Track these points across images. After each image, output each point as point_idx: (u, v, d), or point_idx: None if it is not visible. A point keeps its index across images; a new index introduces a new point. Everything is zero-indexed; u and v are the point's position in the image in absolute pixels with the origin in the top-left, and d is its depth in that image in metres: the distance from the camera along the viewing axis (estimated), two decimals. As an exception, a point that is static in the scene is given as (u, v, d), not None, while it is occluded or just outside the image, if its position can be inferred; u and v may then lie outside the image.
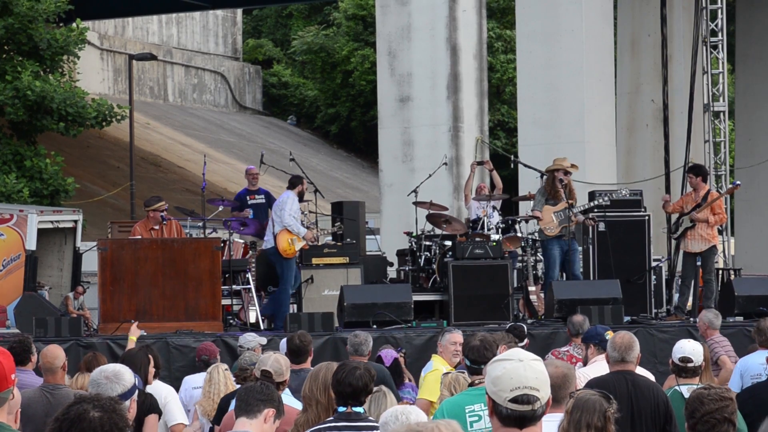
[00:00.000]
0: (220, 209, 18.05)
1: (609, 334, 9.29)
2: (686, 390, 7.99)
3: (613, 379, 8.00)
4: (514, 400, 4.55)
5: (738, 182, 18.44)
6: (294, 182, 16.89)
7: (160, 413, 9.16)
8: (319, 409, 7.16)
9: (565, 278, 17.01)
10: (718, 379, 11.63)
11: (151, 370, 9.20)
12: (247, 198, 18.79)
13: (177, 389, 10.59)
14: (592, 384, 7.94)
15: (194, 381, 11.06)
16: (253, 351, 12.48)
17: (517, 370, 4.61)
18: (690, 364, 8.54)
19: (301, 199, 16.82)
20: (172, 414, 9.71)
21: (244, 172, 19.46)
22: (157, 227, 16.79)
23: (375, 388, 7.10)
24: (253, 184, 18.99)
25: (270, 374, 8.38)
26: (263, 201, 18.82)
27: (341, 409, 6.79)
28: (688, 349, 8.62)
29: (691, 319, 16.51)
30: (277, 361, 8.42)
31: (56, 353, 9.29)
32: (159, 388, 9.82)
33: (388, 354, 11.46)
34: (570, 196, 16.71)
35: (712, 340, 12.50)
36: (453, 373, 8.01)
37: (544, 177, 16.98)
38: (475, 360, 7.98)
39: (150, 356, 9.11)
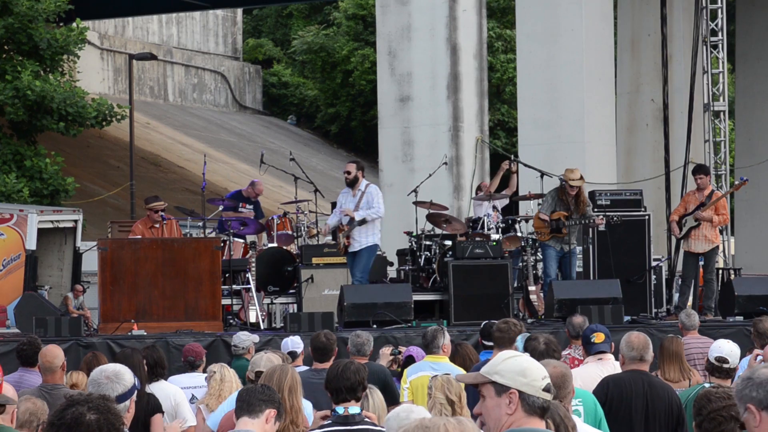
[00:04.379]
0: (220, 209, 18.02)
1: (596, 337, 9.19)
2: None
3: (629, 378, 7.99)
4: (546, 389, 4.53)
5: (745, 178, 18.38)
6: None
7: (163, 412, 9.18)
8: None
9: (561, 278, 17.02)
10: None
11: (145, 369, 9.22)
12: (239, 204, 18.54)
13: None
14: (608, 382, 7.93)
15: (180, 381, 10.99)
16: (248, 350, 12.48)
17: (532, 360, 4.59)
18: (726, 365, 8.50)
19: None
20: (189, 416, 9.73)
21: (251, 182, 19.00)
22: (157, 225, 16.81)
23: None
24: (251, 195, 18.72)
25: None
26: (250, 210, 18.60)
27: (339, 410, 6.77)
28: (726, 349, 8.56)
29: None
30: (269, 361, 8.39)
31: (55, 353, 9.30)
32: (167, 389, 9.81)
33: (419, 353, 11.11)
34: (578, 207, 16.58)
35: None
36: (444, 376, 7.98)
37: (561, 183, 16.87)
38: None
39: (143, 357, 9.11)
